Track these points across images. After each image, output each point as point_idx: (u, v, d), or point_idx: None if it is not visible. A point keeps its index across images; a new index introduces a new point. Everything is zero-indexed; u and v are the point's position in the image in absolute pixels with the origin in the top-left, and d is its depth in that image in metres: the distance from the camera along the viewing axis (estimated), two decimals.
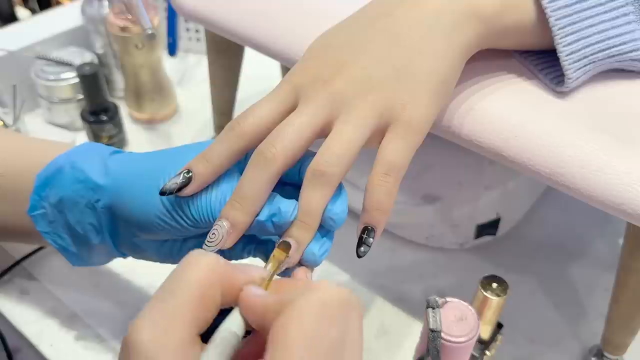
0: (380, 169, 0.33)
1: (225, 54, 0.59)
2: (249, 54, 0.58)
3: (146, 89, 0.72)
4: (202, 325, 0.26)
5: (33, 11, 1.02)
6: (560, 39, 0.37)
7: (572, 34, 0.37)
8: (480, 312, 0.43)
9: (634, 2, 0.38)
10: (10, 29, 0.76)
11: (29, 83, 0.72)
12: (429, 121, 0.35)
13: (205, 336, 0.26)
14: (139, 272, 0.54)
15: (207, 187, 0.35)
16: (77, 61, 0.70)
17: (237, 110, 0.65)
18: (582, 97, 0.39)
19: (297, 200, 0.33)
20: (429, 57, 0.35)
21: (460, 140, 0.39)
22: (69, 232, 0.41)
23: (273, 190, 0.34)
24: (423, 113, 0.34)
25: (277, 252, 0.32)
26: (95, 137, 0.68)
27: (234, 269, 0.27)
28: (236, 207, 0.33)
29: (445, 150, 0.51)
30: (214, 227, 0.33)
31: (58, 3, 0.98)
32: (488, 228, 0.57)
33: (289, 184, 0.37)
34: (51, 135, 0.72)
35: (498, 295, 0.43)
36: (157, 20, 0.69)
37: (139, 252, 0.41)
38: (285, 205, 0.33)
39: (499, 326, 0.47)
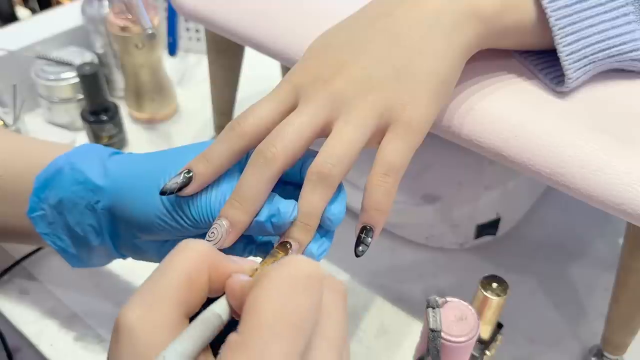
0: (380, 169, 0.33)
1: (225, 54, 0.59)
2: (249, 54, 0.58)
3: (146, 89, 0.72)
4: (190, 308, 0.26)
5: (33, 11, 1.02)
6: (561, 39, 0.37)
7: (572, 34, 0.37)
8: (480, 312, 0.43)
9: (634, 2, 0.38)
10: (10, 28, 0.76)
11: (29, 83, 0.72)
12: (428, 121, 0.35)
13: None
14: (139, 273, 0.53)
15: (207, 187, 0.35)
16: (77, 61, 0.70)
17: (237, 110, 0.65)
18: (582, 97, 0.39)
19: (297, 200, 0.34)
20: (429, 57, 0.35)
21: (460, 140, 0.39)
22: (68, 233, 0.41)
23: (273, 190, 0.34)
24: (423, 113, 0.34)
25: (275, 252, 0.32)
26: (96, 137, 0.68)
27: (224, 258, 0.28)
28: (235, 206, 0.33)
29: (445, 150, 0.51)
30: (213, 226, 0.33)
31: (58, 3, 0.98)
32: (488, 228, 0.57)
33: (289, 184, 0.37)
34: (51, 135, 0.72)
35: (498, 295, 0.43)
36: (157, 20, 0.69)
37: (140, 253, 0.41)
38: (285, 206, 0.33)
39: (499, 326, 0.47)
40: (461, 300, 0.42)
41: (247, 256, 0.39)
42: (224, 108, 0.65)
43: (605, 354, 0.48)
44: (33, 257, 0.57)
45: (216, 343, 0.25)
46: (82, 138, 0.72)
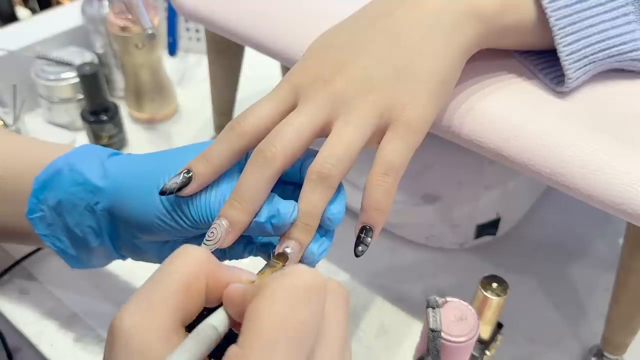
0: (379, 169, 0.33)
1: (225, 54, 0.59)
2: (249, 54, 0.58)
3: (146, 89, 0.72)
4: (186, 316, 0.26)
5: (33, 11, 1.02)
6: (561, 39, 0.37)
7: (572, 34, 0.37)
8: (480, 312, 0.43)
9: (634, 2, 0.38)
10: (10, 28, 0.76)
11: (29, 83, 0.72)
12: (428, 121, 0.35)
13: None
14: (139, 273, 0.53)
15: (207, 187, 0.35)
16: (77, 61, 0.70)
17: (237, 110, 0.65)
18: (582, 97, 0.39)
19: (296, 200, 0.33)
20: (429, 57, 0.35)
21: (460, 140, 0.39)
22: (67, 234, 0.41)
23: (273, 190, 0.34)
24: (423, 113, 0.34)
25: (273, 262, 0.32)
26: (96, 137, 0.68)
27: (222, 267, 0.27)
28: (235, 206, 0.33)
29: (445, 150, 0.51)
30: (212, 226, 0.33)
31: (58, 3, 0.98)
32: (488, 228, 0.57)
33: (289, 183, 0.37)
34: (51, 135, 0.72)
35: (498, 295, 0.43)
36: (157, 20, 0.69)
37: (140, 254, 0.41)
38: (284, 207, 0.33)
39: (499, 326, 0.47)
40: (461, 300, 0.42)
41: (247, 256, 0.39)
42: (224, 108, 0.65)
43: (605, 354, 0.48)
44: (33, 257, 0.57)
45: (215, 355, 0.25)
46: (82, 138, 0.72)
